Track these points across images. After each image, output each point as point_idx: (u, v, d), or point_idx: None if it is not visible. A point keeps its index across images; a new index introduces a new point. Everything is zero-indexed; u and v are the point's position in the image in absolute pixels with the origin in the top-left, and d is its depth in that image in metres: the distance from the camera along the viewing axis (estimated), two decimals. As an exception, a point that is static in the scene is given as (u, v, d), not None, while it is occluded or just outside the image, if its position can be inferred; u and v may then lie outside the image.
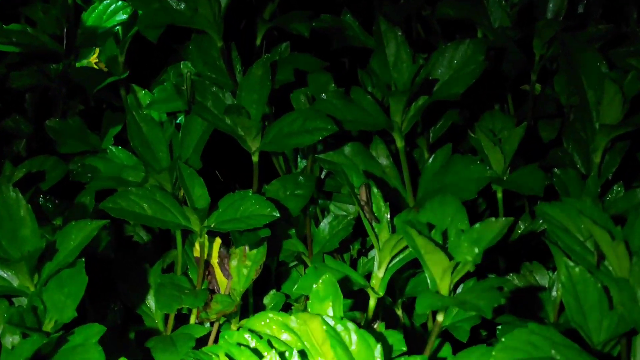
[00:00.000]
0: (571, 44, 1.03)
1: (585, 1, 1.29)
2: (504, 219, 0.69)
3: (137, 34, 1.13)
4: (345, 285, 0.87)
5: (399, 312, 0.99)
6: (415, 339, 0.98)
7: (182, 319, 1.05)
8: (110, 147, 1.05)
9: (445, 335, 0.92)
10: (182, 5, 1.03)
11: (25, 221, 0.84)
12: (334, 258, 0.97)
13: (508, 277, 0.92)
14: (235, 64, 1.07)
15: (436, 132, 1.13)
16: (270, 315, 0.77)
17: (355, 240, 1.08)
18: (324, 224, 1.06)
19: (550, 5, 1.23)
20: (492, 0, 1.22)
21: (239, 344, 0.74)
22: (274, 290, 1.06)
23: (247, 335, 0.75)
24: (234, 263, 0.97)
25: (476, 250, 0.70)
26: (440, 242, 0.73)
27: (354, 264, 1.08)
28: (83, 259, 0.81)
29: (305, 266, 1.05)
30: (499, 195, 1.01)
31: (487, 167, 0.98)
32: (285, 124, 0.97)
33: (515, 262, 1.00)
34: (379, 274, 0.85)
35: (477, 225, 0.71)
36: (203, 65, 1.03)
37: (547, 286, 0.91)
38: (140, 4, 1.05)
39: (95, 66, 1.14)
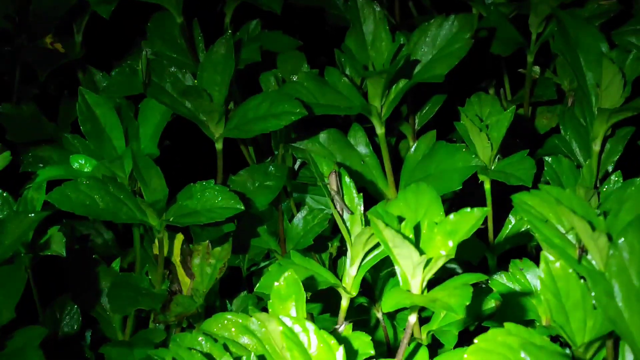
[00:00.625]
0: (568, 21, 1.01)
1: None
2: (478, 208, 0.67)
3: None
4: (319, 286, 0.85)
5: (379, 314, 0.98)
6: (397, 343, 0.97)
7: (145, 322, 1.04)
8: (66, 134, 1.04)
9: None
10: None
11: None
12: (310, 256, 0.96)
13: (496, 276, 0.90)
14: (199, 43, 1.05)
15: (422, 118, 1.12)
16: (229, 316, 0.76)
17: (334, 237, 1.07)
18: (298, 218, 1.04)
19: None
20: (485, -27, 1.20)
21: (190, 348, 0.73)
22: (245, 292, 1.05)
23: (200, 338, 0.74)
24: (196, 261, 0.96)
25: (450, 243, 0.69)
26: (412, 235, 0.71)
27: (334, 264, 1.07)
28: (23, 255, 0.80)
29: (283, 266, 1.04)
30: (487, 186, 0.99)
31: (473, 156, 0.96)
32: (251, 108, 0.96)
33: (506, 261, 0.99)
34: (351, 272, 0.83)
35: (451, 216, 0.69)
36: (162, 44, 1.02)
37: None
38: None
39: (50, 46, 1.13)
